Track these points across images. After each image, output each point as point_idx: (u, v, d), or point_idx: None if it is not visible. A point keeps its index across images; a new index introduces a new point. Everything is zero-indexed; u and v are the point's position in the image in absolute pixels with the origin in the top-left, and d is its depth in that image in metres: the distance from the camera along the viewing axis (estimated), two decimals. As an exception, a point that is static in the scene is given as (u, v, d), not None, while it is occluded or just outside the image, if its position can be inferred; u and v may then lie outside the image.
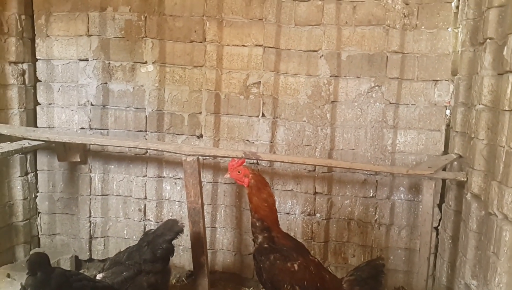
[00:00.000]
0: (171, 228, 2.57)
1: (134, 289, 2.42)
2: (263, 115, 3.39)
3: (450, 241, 3.17)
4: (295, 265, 2.46)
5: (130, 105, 3.50)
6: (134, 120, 3.51)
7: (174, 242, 2.56)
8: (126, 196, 3.61)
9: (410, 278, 3.42)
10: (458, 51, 3.19)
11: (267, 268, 2.49)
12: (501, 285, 2.29)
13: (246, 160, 2.76)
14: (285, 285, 2.45)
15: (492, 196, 2.45)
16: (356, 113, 3.31)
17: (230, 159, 2.74)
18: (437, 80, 3.17)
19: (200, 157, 3.03)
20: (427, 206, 2.98)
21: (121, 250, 2.67)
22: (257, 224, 2.54)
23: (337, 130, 3.35)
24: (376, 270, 2.58)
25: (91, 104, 3.49)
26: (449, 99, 3.20)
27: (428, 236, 3.01)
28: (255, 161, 3.38)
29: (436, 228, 3.31)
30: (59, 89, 3.50)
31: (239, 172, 2.57)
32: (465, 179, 2.87)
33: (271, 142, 3.41)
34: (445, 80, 3.16)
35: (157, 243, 2.51)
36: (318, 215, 3.46)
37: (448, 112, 3.28)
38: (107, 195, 3.62)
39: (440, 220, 3.32)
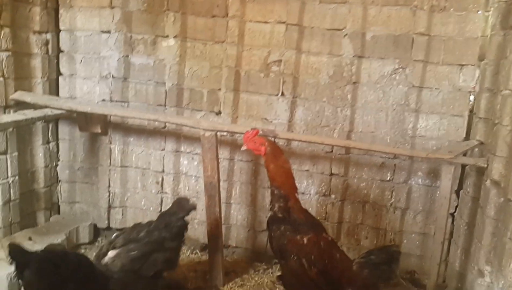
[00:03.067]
0: (184, 207, 2.66)
1: (149, 266, 2.48)
2: (282, 94, 3.37)
3: (465, 228, 3.15)
4: (305, 239, 2.48)
5: (150, 79, 3.51)
6: (154, 94, 3.53)
7: (189, 217, 2.64)
8: (144, 168, 3.67)
9: (423, 263, 3.43)
10: (487, 36, 3.10)
11: (277, 237, 2.53)
12: (515, 271, 2.29)
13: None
14: (292, 256, 2.48)
15: (513, 184, 2.43)
16: (378, 95, 3.26)
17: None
18: (463, 65, 3.10)
19: (218, 133, 3.06)
20: (445, 191, 2.96)
21: (130, 227, 2.69)
22: (275, 192, 2.56)
23: (357, 112, 3.32)
24: (390, 256, 2.58)
25: (112, 77, 3.51)
26: (474, 84, 3.13)
27: (444, 221, 2.99)
28: (272, 139, 3.38)
29: (452, 215, 3.29)
30: (81, 60, 3.52)
31: (255, 142, 2.58)
32: (485, 166, 2.84)
33: (289, 122, 3.40)
34: (471, 65, 3.08)
35: (171, 221, 2.58)
36: (333, 196, 3.46)
37: (472, 97, 3.21)
38: (126, 166, 3.69)
39: (456, 206, 3.30)
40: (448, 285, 3.33)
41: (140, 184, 3.70)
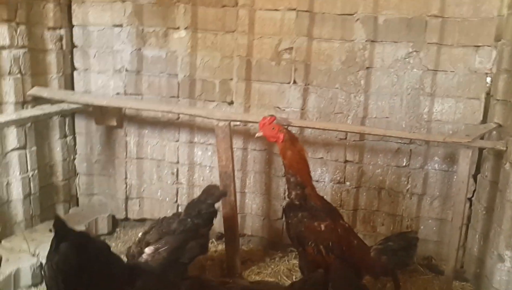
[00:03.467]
0: (213, 193, 2.79)
1: (187, 254, 2.60)
2: (294, 81, 3.35)
3: (484, 212, 3.10)
4: (322, 225, 2.51)
5: (163, 71, 3.54)
6: (167, 86, 3.55)
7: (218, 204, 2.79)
8: (159, 160, 3.72)
9: (440, 248, 3.40)
10: (503, 15, 3.01)
11: (294, 224, 2.56)
12: (537, 256, 2.25)
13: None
14: (310, 243, 2.51)
15: (533, 166, 2.38)
16: (391, 80, 3.21)
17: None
18: (479, 46, 3.02)
19: (231, 123, 3.07)
20: (463, 175, 2.91)
21: (156, 222, 2.76)
22: (291, 179, 2.58)
23: (371, 97, 3.28)
24: (408, 242, 2.57)
25: (126, 70, 3.54)
26: (491, 66, 3.05)
27: (461, 206, 2.95)
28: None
29: (470, 199, 3.24)
30: (95, 55, 3.57)
31: (273, 128, 2.59)
32: (504, 148, 2.78)
33: (302, 109, 3.38)
34: (488, 46, 3.00)
35: (202, 208, 2.70)
36: (348, 183, 3.44)
37: (488, 79, 3.14)
38: (141, 158, 3.73)
39: (474, 191, 3.25)
40: (466, 270, 3.30)
41: (156, 175, 3.75)
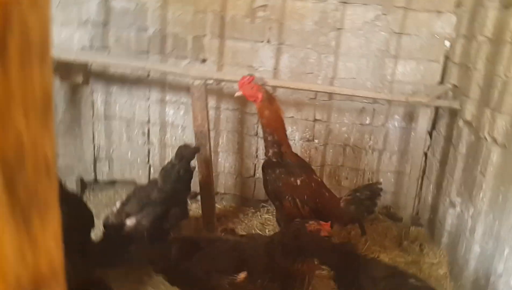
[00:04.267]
0: (187, 153, 2.77)
1: (171, 220, 2.64)
2: (268, 40, 3.39)
3: (438, 165, 3.45)
4: (298, 180, 2.65)
5: (132, 24, 3.38)
6: (136, 40, 3.41)
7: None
8: (129, 119, 3.62)
9: (397, 198, 3.74)
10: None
11: (272, 180, 2.69)
12: (484, 199, 2.59)
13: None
14: (287, 197, 2.66)
15: (484, 122, 2.68)
16: (360, 41, 3.36)
17: (235, 84, 2.77)
18: (441, 12, 3.24)
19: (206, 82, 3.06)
20: (421, 132, 3.19)
21: (134, 191, 2.75)
22: (268, 138, 2.66)
23: (340, 58, 3.41)
24: (373, 192, 2.83)
25: (92, 22, 3.35)
26: (450, 31, 3.30)
27: (419, 159, 3.26)
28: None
29: (425, 154, 3.57)
30: (57, 5, 3.31)
31: (252, 88, 2.63)
32: (459, 107, 3.08)
33: (275, 69, 3.45)
34: (449, 12, 3.24)
35: (179, 171, 2.69)
36: (316, 141, 3.63)
37: (447, 43, 3.39)
38: (110, 117, 3.62)
39: (429, 146, 3.58)
40: (421, 217, 3.68)
41: (126, 135, 3.66)
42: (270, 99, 2.67)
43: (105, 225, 2.57)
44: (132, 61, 3.20)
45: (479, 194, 2.67)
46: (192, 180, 2.84)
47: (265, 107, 2.64)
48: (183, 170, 2.72)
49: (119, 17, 3.37)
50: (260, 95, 2.63)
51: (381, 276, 2.21)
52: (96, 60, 3.13)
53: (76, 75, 3.33)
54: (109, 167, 3.73)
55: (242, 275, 2.11)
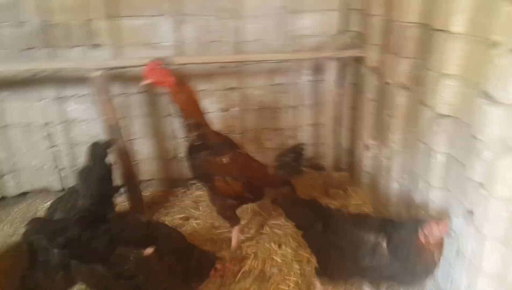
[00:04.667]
0: (100, 151, 2.66)
1: None
2: (164, 13, 3.17)
3: (349, 112, 3.62)
4: (224, 159, 2.63)
5: (7, 20, 2.95)
6: (17, 36, 2.99)
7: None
8: (26, 124, 3.26)
9: (317, 149, 3.89)
10: None
11: (199, 164, 2.65)
12: (395, 140, 2.80)
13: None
14: (216, 177, 2.65)
15: (387, 67, 2.83)
16: (260, 1, 3.28)
17: (139, 67, 2.57)
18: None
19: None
20: (330, 83, 3.29)
21: (55, 204, 2.57)
22: (186, 122, 2.56)
23: (243, 21, 3.31)
24: (297, 153, 2.92)
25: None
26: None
27: (331, 110, 3.39)
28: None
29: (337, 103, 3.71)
30: None
31: (160, 74, 2.45)
32: (363, 55, 3.20)
33: (178, 42, 3.26)
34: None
35: (97, 174, 2.57)
36: (233, 109, 3.59)
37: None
38: (4, 126, 3.23)
39: (339, 95, 3.71)
40: (341, 163, 3.89)
41: (26, 143, 3.31)
42: (181, 82, 2.53)
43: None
44: (14, 64, 2.82)
45: (390, 135, 2.87)
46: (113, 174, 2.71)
47: (177, 92, 2.50)
48: (101, 169, 2.59)
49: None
50: (170, 80, 2.48)
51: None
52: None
53: None
54: (17, 181, 3.39)
55: (149, 250, 2.10)
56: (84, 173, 2.58)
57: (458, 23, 2.03)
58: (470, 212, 2.05)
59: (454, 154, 2.19)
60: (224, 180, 2.65)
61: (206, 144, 2.62)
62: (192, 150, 2.63)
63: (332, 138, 3.49)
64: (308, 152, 3.88)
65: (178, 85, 2.49)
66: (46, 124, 3.30)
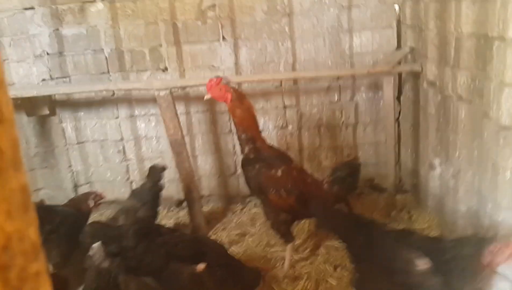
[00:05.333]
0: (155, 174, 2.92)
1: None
2: (223, 38, 3.40)
3: (411, 129, 3.49)
4: (279, 172, 2.67)
5: (87, 48, 3.40)
6: (94, 63, 3.43)
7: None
8: (102, 140, 3.64)
9: (379, 169, 3.77)
10: None
11: (253, 176, 2.71)
12: (461, 157, 2.63)
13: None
14: (271, 190, 2.68)
15: (446, 81, 2.71)
16: (312, 22, 3.38)
17: (201, 87, 2.78)
18: (385, -22, 3.27)
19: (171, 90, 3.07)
20: (389, 100, 3.22)
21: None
22: (242, 136, 2.67)
23: (297, 42, 3.43)
24: (352, 169, 2.87)
25: (47, 54, 3.35)
26: (398, -5, 3.32)
27: (392, 128, 3.30)
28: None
29: (397, 120, 3.61)
30: (10, 43, 3.32)
31: (220, 89, 2.63)
32: (420, 69, 3.11)
33: (236, 64, 3.46)
34: (393, -23, 3.26)
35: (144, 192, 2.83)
36: (290, 126, 3.66)
37: (397, 7, 3.41)
38: (83, 142, 3.63)
39: (399, 112, 3.62)
40: (404, 184, 3.73)
41: (102, 156, 3.68)
42: (239, 97, 2.68)
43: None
44: (93, 85, 3.21)
45: (455, 152, 2.71)
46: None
47: (235, 106, 2.65)
48: (155, 189, 2.88)
49: (72, 44, 3.39)
50: (229, 95, 2.63)
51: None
52: (58, 90, 3.13)
53: (42, 108, 3.35)
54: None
55: (202, 266, 2.14)
56: (141, 191, 2.82)
57: (516, 28, 1.93)
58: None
59: (522, 169, 2.02)
60: (278, 193, 2.69)
61: (261, 157, 2.70)
62: (247, 163, 2.72)
63: (393, 157, 3.37)
64: (369, 172, 3.79)
65: (235, 101, 2.63)
66: (120, 140, 3.65)
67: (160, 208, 3.02)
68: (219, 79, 2.67)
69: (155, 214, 2.87)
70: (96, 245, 2.05)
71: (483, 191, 2.35)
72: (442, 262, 1.98)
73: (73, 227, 2.52)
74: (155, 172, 2.88)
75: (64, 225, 2.53)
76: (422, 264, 1.97)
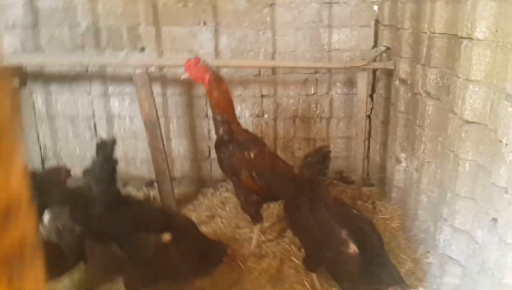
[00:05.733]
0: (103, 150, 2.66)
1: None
2: (204, 23, 3.41)
3: (381, 125, 3.62)
4: (251, 154, 2.72)
5: (62, 22, 3.31)
6: (70, 37, 3.34)
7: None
8: (73, 116, 3.56)
9: (348, 162, 3.90)
10: None
11: (226, 158, 2.75)
12: (425, 151, 2.77)
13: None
14: (243, 171, 2.73)
15: (417, 78, 2.84)
16: (294, 15, 3.44)
17: (178, 69, 2.77)
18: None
19: (148, 69, 3.05)
20: (362, 95, 3.33)
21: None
22: (218, 118, 2.70)
23: (277, 33, 3.48)
24: (323, 156, 2.95)
25: (20, 26, 3.24)
26: (377, -5, 3.44)
27: (363, 122, 3.41)
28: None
29: (369, 116, 3.73)
30: (-19, 11, 3.20)
31: (198, 70, 2.63)
32: (393, 67, 3.23)
33: (216, 50, 3.48)
34: (372, -24, 3.37)
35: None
36: (266, 116, 3.71)
37: (376, 8, 3.53)
38: (53, 116, 3.54)
39: (371, 109, 3.74)
40: (371, 177, 3.86)
41: (72, 132, 3.60)
42: (217, 79, 2.69)
43: None
44: (68, 57, 3.14)
45: (420, 146, 2.84)
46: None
47: (213, 88, 2.66)
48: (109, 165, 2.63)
49: (48, 17, 3.29)
50: (207, 76, 2.64)
51: (330, 203, 2.44)
52: (31, 61, 3.04)
53: (11, 79, 3.22)
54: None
55: (167, 236, 2.17)
56: (93, 168, 2.62)
57: (482, 30, 2.05)
58: (495, 219, 1.99)
59: (481, 161, 2.15)
60: (250, 175, 2.73)
61: (235, 139, 2.73)
62: (221, 144, 2.75)
63: (362, 152, 3.49)
64: (339, 164, 3.90)
65: (213, 82, 2.65)
66: (92, 117, 3.59)
67: (119, 185, 2.89)
68: (198, 59, 2.68)
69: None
70: (47, 212, 2.02)
71: (444, 181, 2.48)
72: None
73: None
74: (105, 147, 2.65)
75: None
76: (353, 248, 2.18)
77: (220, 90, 2.68)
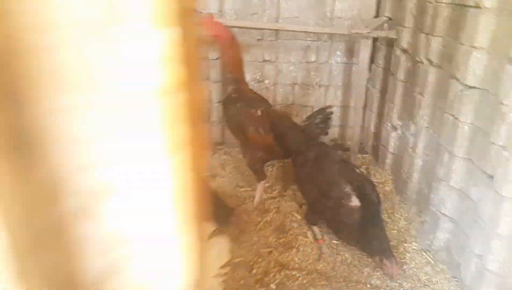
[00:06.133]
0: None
1: None
2: (210, -18, 3.40)
3: (378, 95, 3.73)
4: (258, 111, 2.80)
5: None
6: None
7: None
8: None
9: (343, 131, 4.02)
10: None
11: (234, 114, 2.82)
12: (424, 117, 2.89)
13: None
14: (250, 128, 2.81)
15: (420, 47, 2.95)
16: (299, -21, 3.48)
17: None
18: None
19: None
20: (364, 63, 3.42)
21: None
22: (228, 76, 2.78)
23: (283, -3, 3.51)
24: (325, 116, 3.07)
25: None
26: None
27: (363, 89, 3.52)
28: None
29: (366, 86, 3.83)
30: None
31: (216, 26, 2.67)
32: (395, 37, 3.33)
33: (220, 11, 3.48)
34: None
35: None
36: (266, 81, 3.76)
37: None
38: None
39: (368, 79, 3.85)
40: (365, 145, 3.99)
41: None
42: (234, 38, 2.74)
43: None
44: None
45: (419, 113, 2.97)
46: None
47: (229, 46, 2.71)
48: None
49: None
50: (226, 33, 2.68)
51: (336, 160, 2.56)
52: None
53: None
54: None
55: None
56: None
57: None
58: (490, 177, 2.14)
59: (479, 124, 2.28)
60: (257, 131, 2.81)
61: (243, 97, 2.79)
62: (229, 102, 2.81)
63: (360, 121, 3.60)
64: (334, 133, 4.02)
65: (232, 39, 2.69)
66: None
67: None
68: (212, 15, 2.71)
69: None
70: None
71: (442, 144, 2.62)
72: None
73: None
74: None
75: None
76: (355, 201, 2.32)
77: (235, 48, 2.72)
